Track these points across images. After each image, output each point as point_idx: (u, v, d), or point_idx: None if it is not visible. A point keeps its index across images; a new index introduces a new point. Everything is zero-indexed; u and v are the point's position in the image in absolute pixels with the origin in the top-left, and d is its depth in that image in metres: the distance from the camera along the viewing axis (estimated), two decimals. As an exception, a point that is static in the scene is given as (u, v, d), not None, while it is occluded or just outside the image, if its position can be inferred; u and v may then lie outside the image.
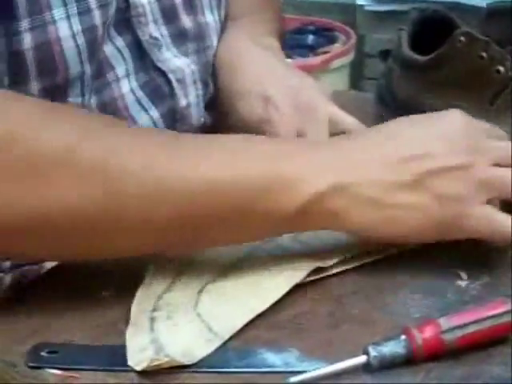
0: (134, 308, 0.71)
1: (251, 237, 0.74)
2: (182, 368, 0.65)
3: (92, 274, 0.77)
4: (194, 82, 0.94)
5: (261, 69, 0.93)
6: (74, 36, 0.79)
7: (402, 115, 1.07)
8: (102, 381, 0.64)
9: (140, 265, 0.76)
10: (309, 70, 1.96)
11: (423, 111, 1.04)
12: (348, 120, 0.91)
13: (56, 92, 0.79)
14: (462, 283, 0.76)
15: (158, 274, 0.75)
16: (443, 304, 0.73)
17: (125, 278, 0.75)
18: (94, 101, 0.85)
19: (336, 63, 2.24)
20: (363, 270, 0.78)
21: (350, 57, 2.28)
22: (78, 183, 0.65)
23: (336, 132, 0.90)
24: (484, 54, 0.97)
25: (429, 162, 0.72)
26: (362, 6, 2.18)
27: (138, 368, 0.64)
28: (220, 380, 0.64)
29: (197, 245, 0.74)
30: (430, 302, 0.74)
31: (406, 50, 1.07)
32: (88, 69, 0.82)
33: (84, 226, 0.67)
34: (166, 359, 0.64)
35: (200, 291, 0.73)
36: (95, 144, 0.67)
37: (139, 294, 0.73)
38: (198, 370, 0.65)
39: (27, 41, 0.76)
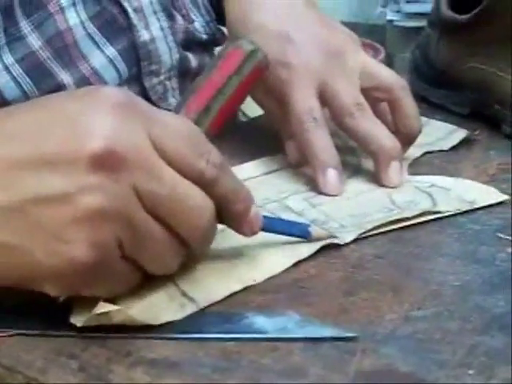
0: None
1: None
2: (142, 332, 0.49)
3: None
4: (155, 12, 0.80)
5: (283, 5, 0.76)
6: None
7: (439, 85, 0.93)
8: (34, 345, 0.48)
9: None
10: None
11: (466, 78, 0.89)
12: (384, 73, 0.74)
13: None
14: (515, 251, 0.60)
15: None
16: (490, 272, 0.57)
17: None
18: (36, 36, 0.71)
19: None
20: (390, 232, 0.62)
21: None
22: None
23: (368, 87, 0.73)
24: (538, 0, 0.81)
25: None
26: (391, 21, 2.07)
27: (80, 323, 0.48)
28: (189, 349, 0.48)
29: None
30: (475, 269, 0.57)
31: (446, 11, 0.92)
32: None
33: None
34: (116, 308, 0.48)
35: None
36: None
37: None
38: (163, 335, 0.49)
39: None
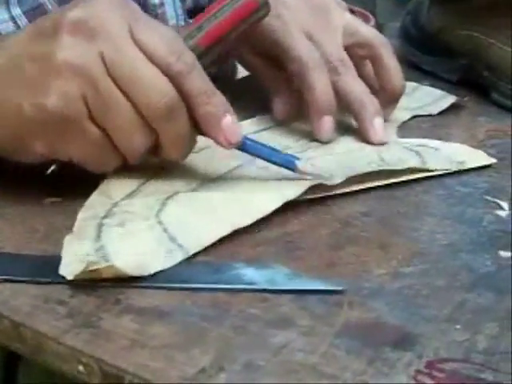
0: (81, 213, 0.55)
1: None
2: (131, 281, 0.48)
3: (37, 180, 0.60)
4: None
5: None
6: None
7: (429, 52, 0.93)
8: (22, 291, 0.48)
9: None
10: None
11: (456, 44, 0.88)
12: (364, 29, 0.76)
13: None
14: (503, 213, 0.60)
15: (118, 179, 0.59)
16: (477, 233, 0.57)
17: (77, 184, 0.59)
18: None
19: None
20: (378, 191, 0.62)
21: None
22: None
23: (350, 43, 0.74)
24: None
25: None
26: (381, -10, 2.04)
27: (70, 276, 0.48)
28: (178, 298, 0.48)
29: None
30: (462, 229, 0.57)
31: (438, -23, 0.92)
32: None
33: None
34: (107, 264, 0.48)
35: (167, 199, 0.57)
36: None
37: (92, 198, 0.57)
38: (152, 284, 0.49)
39: None
